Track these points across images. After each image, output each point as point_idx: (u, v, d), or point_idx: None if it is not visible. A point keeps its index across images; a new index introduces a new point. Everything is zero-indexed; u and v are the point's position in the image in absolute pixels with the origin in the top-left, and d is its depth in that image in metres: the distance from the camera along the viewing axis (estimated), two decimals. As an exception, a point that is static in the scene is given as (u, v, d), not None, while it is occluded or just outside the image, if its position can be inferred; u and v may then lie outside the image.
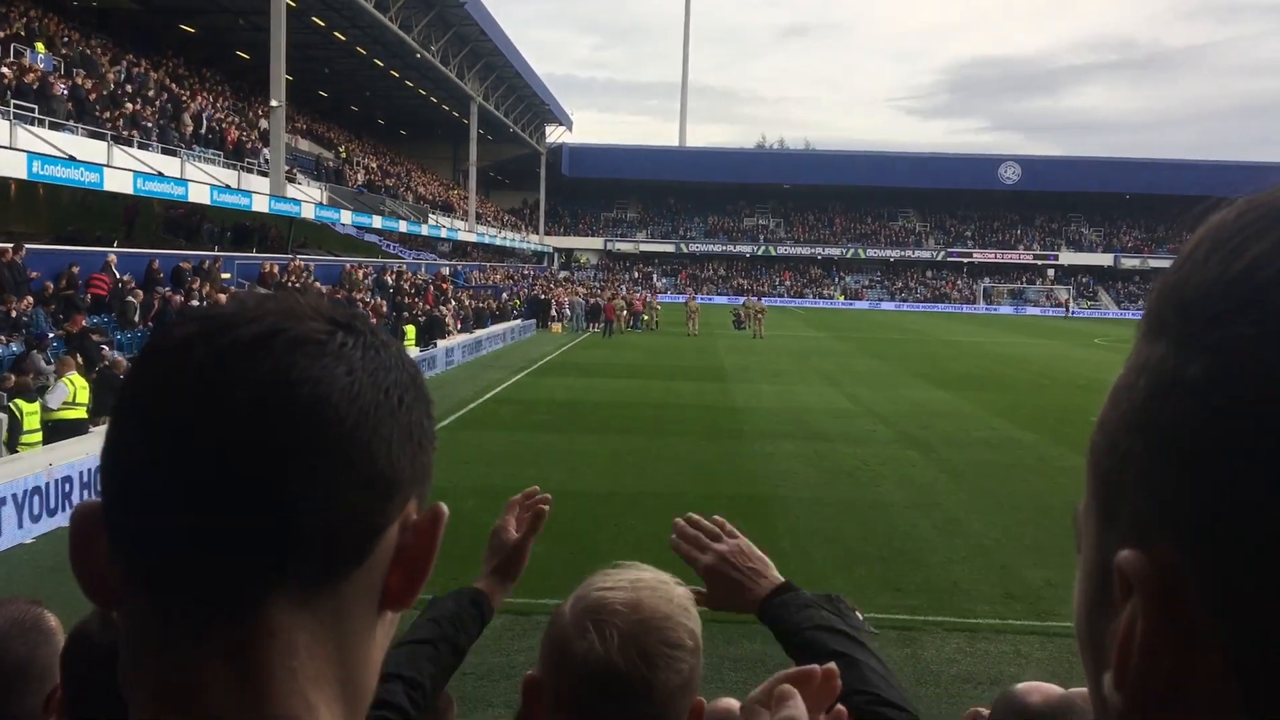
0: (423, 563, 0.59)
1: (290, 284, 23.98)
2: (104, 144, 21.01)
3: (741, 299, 52.82)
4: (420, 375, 0.61)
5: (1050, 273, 79.61)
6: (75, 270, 17.41)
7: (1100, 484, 0.44)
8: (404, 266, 36.54)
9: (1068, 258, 79.55)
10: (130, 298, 17.79)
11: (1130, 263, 77.70)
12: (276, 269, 24.93)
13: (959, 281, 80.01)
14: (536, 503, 1.67)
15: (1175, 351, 0.40)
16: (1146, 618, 0.39)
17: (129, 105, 25.04)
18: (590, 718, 1.06)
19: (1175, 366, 0.40)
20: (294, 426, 0.53)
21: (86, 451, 10.87)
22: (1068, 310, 69.98)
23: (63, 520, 10.12)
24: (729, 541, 1.46)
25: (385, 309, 26.70)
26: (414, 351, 23.95)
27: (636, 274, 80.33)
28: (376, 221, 37.38)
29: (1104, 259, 78.83)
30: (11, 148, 17.40)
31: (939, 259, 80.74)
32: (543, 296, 44.29)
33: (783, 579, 1.43)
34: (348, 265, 30.79)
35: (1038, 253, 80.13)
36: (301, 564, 0.54)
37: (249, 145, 32.08)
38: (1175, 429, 0.39)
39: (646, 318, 41.63)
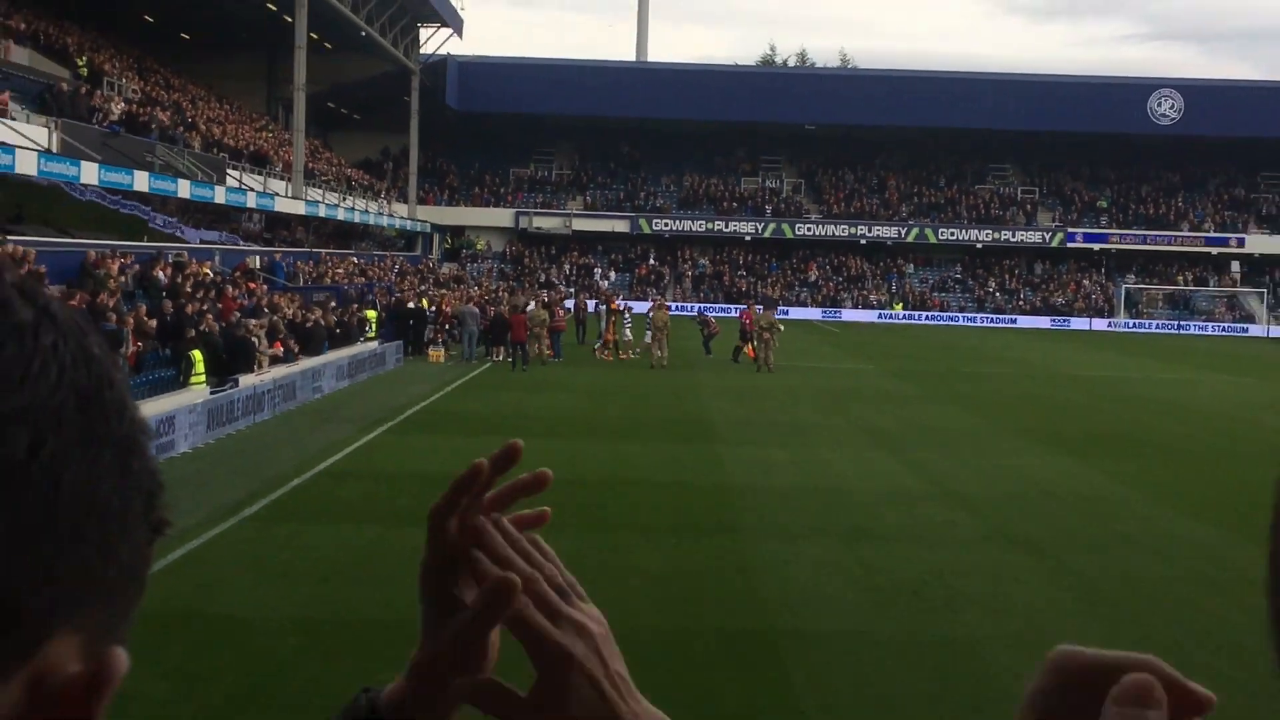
0: None
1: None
2: None
3: (732, 308, 52.91)
4: (106, 394, 0.57)
5: (1235, 268, 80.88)
6: None
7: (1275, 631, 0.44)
8: (186, 254, 36.23)
9: (1259, 243, 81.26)
10: None
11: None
12: (-29, 258, 24.58)
13: (1087, 281, 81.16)
14: (525, 517, 1.26)
15: None
16: None
17: None
18: None
19: None
20: None
21: None
22: None
23: None
24: (588, 612, 1.24)
25: (153, 324, 26.33)
26: (200, 392, 23.68)
27: (568, 267, 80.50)
28: (141, 180, 37.00)
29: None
30: None
31: (1055, 244, 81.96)
32: (414, 304, 44.05)
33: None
34: (93, 253, 30.44)
35: (1212, 235, 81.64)
36: None
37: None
38: None
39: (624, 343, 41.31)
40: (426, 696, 1.25)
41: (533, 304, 43.70)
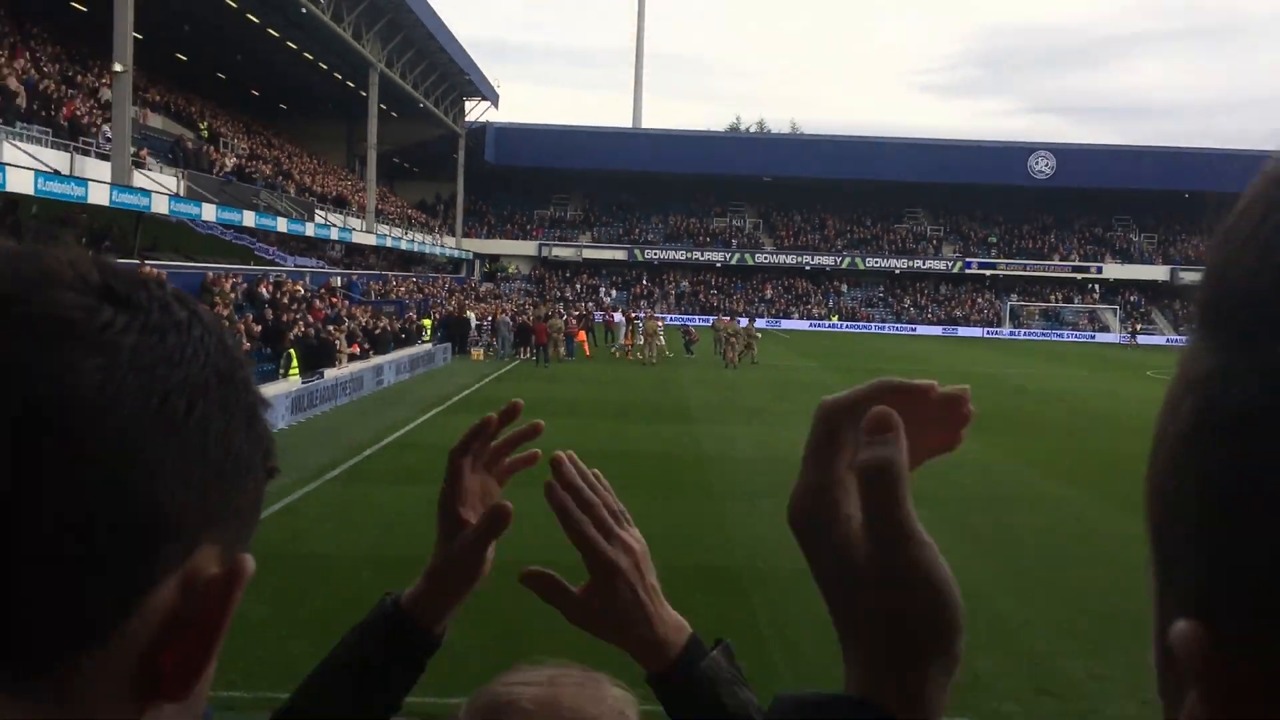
0: (208, 637, 0.58)
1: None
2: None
3: (697, 318, 53.03)
4: (238, 373, 0.59)
5: (1095, 289, 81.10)
6: None
7: (1153, 534, 0.43)
8: (284, 275, 36.25)
9: (1113, 270, 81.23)
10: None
11: (1191, 276, 79.41)
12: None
13: (979, 299, 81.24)
14: (520, 459, 1.38)
15: (1224, 365, 0.38)
16: (1206, 710, 0.39)
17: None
18: None
19: (1224, 387, 0.37)
20: (3, 448, 0.49)
21: None
22: (1133, 336, 71.01)
23: None
24: (632, 534, 1.26)
25: (258, 330, 26.36)
26: (294, 382, 23.69)
27: (579, 286, 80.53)
28: (248, 218, 37.04)
29: (1158, 271, 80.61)
30: None
31: (955, 271, 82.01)
32: (460, 315, 44.10)
33: (683, 621, 1.26)
34: (211, 274, 30.43)
35: (1077, 264, 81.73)
36: (7, 641, 0.51)
37: (85, 121, 31.60)
38: (1229, 470, 0.37)
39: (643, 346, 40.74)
40: (436, 593, 1.32)
41: (565, 316, 44.09)
